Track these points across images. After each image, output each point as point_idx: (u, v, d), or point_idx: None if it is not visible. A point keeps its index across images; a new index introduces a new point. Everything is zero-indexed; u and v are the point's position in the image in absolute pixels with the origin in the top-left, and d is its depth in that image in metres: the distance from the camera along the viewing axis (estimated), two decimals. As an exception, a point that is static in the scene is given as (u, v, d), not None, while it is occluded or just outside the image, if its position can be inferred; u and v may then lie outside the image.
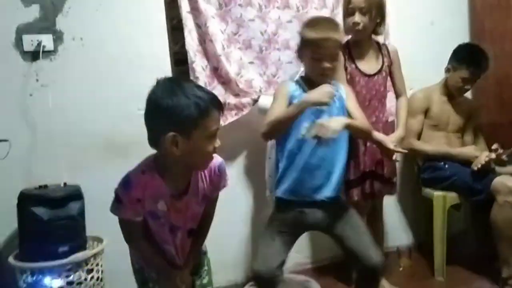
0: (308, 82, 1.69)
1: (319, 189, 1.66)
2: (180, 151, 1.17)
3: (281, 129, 1.63)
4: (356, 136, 1.86)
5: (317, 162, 1.63)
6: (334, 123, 1.55)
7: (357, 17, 1.94)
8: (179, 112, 1.14)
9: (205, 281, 1.46)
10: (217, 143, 1.24)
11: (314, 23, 1.65)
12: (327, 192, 1.66)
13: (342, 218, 1.68)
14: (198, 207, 1.35)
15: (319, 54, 1.59)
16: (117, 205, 1.26)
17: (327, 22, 1.68)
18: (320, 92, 1.55)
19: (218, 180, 1.36)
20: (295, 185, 1.66)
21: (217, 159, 1.34)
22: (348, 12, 1.96)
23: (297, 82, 1.73)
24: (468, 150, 2.31)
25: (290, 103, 1.64)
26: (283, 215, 1.70)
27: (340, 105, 1.69)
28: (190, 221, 1.36)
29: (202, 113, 1.16)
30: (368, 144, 2.02)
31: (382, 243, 2.26)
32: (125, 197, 1.24)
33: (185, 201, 1.30)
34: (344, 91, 1.74)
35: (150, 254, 1.34)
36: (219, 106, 1.22)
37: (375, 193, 2.09)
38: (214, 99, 1.21)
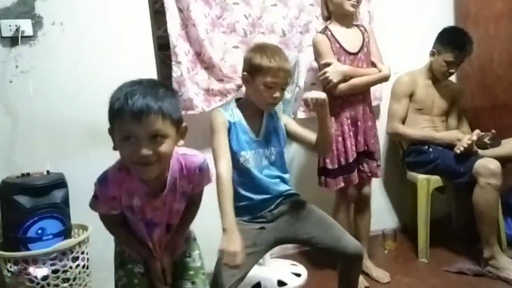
0: (246, 106, 1.63)
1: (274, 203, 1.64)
2: (115, 146, 1.17)
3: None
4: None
5: (266, 184, 1.61)
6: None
7: None
8: (108, 107, 1.13)
9: (198, 264, 1.45)
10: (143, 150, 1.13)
11: (269, 51, 1.56)
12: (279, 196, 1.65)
13: (304, 219, 1.65)
14: (178, 204, 1.32)
15: (273, 83, 1.54)
16: (95, 201, 1.27)
17: (280, 52, 1.61)
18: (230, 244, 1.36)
19: (199, 179, 1.31)
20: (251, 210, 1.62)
21: (198, 158, 1.29)
22: None
23: (230, 109, 1.63)
24: (451, 134, 2.33)
25: (227, 133, 1.57)
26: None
27: (275, 131, 1.66)
28: (170, 217, 1.34)
29: (114, 113, 1.11)
30: (359, 123, 2.06)
31: (369, 228, 2.28)
32: (101, 194, 1.24)
33: (162, 199, 1.27)
34: (280, 117, 1.70)
35: (130, 241, 1.34)
36: (134, 104, 1.07)
37: (363, 178, 2.12)
38: (127, 96, 1.08)
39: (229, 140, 1.57)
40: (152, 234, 1.34)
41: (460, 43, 2.27)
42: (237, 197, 1.52)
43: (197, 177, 1.30)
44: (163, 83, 1.21)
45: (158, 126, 1.11)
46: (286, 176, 1.71)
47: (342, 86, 2.00)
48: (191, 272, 1.42)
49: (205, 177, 1.33)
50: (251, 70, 1.57)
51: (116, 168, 1.24)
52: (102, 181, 1.23)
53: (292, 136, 1.72)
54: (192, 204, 1.38)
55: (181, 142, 1.22)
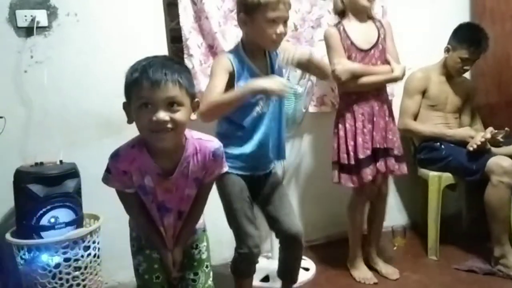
0: (250, 50, 1.60)
1: (270, 163, 1.70)
2: (130, 119, 1.22)
3: (220, 114, 1.57)
4: (314, 74, 1.86)
5: (267, 137, 1.64)
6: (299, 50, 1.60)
7: None
8: (124, 81, 1.19)
9: (204, 256, 1.46)
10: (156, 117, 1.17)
11: None
12: (273, 163, 1.71)
13: (272, 184, 1.70)
14: (189, 189, 1.34)
15: (275, 17, 1.50)
16: (107, 175, 1.30)
17: None
18: (274, 81, 1.48)
19: (212, 165, 1.32)
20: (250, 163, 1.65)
21: (213, 144, 1.32)
22: None
23: (236, 52, 1.61)
24: (464, 131, 2.31)
25: (232, 77, 1.56)
26: (237, 187, 1.65)
27: (279, 70, 1.67)
28: (181, 203, 1.35)
29: (132, 83, 1.16)
30: (375, 119, 2.03)
31: (381, 228, 2.27)
32: (112, 168, 1.27)
33: (173, 181, 1.29)
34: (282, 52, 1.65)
35: (146, 228, 1.36)
36: (152, 73, 1.13)
37: (388, 171, 2.08)
38: (145, 67, 1.14)
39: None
40: (163, 219, 1.35)
41: (476, 40, 2.24)
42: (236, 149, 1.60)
43: (210, 162, 1.31)
44: (178, 60, 1.23)
45: (175, 93, 1.16)
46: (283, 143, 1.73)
47: (351, 83, 1.98)
48: (195, 264, 1.44)
49: (219, 164, 1.35)
50: (249, 10, 1.54)
51: (129, 145, 1.28)
52: (114, 156, 1.27)
53: (307, 68, 1.74)
54: (202, 193, 1.38)
55: (194, 116, 1.25)
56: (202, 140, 1.31)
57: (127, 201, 1.34)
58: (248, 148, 1.62)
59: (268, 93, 1.49)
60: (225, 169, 1.39)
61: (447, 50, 2.34)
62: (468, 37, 2.26)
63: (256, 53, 1.62)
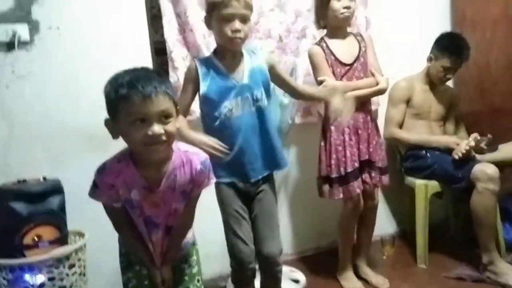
0: (220, 53, 1.63)
1: (258, 171, 1.66)
2: (115, 136, 1.21)
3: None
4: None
5: (247, 143, 1.62)
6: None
7: (348, 2, 1.96)
8: (106, 98, 1.18)
9: (194, 270, 1.45)
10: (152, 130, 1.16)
11: None
12: (266, 171, 1.68)
13: (264, 201, 1.69)
14: (177, 203, 1.32)
15: (228, 15, 1.52)
16: (94, 189, 1.28)
17: None
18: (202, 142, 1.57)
19: (199, 178, 1.31)
20: (235, 169, 1.64)
21: (199, 157, 1.31)
22: None
23: (205, 59, 1.66)
24: (448, 138, 2.34)
25: (197, 86, 1.60)
26: (229, 202, 1.66)
27: (260, 72, 1.64)
28: (169, 218, 1.33)
29: (120, 100, 1.13)
30: (359, 131, 2.04)
31: (370, 240, 2.28)
32: (99, 182, 1.26)
33: (160, 195, 1.28)
34: (264, 59, 1.68)
35: (134, 244, 1.34)
36: (142, 87, 1.12)
37: (374, 184, 2.10)
38: (132, 81, 1.12)
39: (206, 89, 1.58)
40: (151, 235, 1.33)
41: (457, 49, 2.28)
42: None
43: (198, 175, 1.30)
44: (156, 69, 1.23)
45: (166, 105, 1.16)
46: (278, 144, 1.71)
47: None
48: (186, 278, 1.42)
49: (206, 176, 1.33)
50: (208, 10, 1.59)
51: (115, 159, 1.26)
52: (101, 170, 1.26)
53: (276, 80, 1.73)
54: (189, 207, 1.36)
55: (177, 124, 1.24)
56: (189, 153, 1.30)
57: (114, 216, 1.32)
58: (230, 154, 1.60)
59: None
60: (213, 181, 1.37)
61: (429, 59, 2.37)
62: (449, 46, 2.30)
63: (227, 53, 1.62)
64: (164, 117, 1.16)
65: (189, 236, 1.42)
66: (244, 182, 1.65)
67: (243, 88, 1.60)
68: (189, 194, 1.33)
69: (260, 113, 1.63)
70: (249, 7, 1.59)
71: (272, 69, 1.69)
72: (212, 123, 1.61)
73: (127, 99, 1.12)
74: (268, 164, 1.67)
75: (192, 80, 1.62)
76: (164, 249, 1.36)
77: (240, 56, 1.64)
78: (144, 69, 1.21)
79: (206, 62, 1.63)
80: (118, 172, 1.25)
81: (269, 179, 1.71)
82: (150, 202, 1.28)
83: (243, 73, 1.61)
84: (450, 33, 2.41)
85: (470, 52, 2.29)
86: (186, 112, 1.66)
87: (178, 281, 1.40)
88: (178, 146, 1.29)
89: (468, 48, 2.29)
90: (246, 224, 1.65)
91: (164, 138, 1.16)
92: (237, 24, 1.53)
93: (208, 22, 1.61)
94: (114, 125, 1.19)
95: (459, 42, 2.31)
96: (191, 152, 1.31)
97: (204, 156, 1.33)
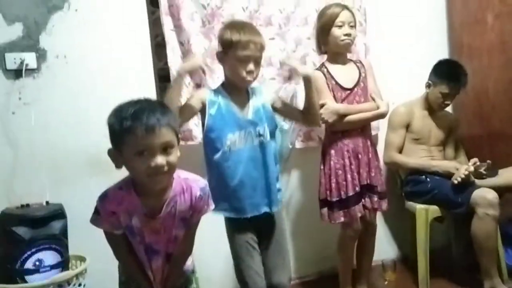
0: (229, 88, 1.69)
1: (254, 203, 1.67)
2: (119, 165, 1.23)
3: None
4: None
5: (248, 177, 1.64)
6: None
7: (348, 29, 2.01)
8: (110, 129, 1.21)
9: None
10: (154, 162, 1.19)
11: (238, 26, 1.64)
12: (264, 207, 1.68)
13: (272, 231, 1.71)
14: (177, 230, 1.34)
15: (245, 56, 1.58)
16: (95, 216, 1.30)
17: (251, 26, 1.69)
18: (190, 58, 1.65)
19: (199, 205, 1.34)
20: (233, 202, 1.66)
21: (198, 184, 1.34)
22: (336, 25, 2.01)
23: (215, 89, 1.72)
24: (448, 163, 2.36)
25: (202, 107, 1.65)
26: (239, 229, 1.68)
27: (264, 110, 1.70)
28: (169, 245, 1.36)
29: (124, 132, 1.16)
30: (360, 156, 2.05)
31: (370, 264, 2.28)
32: (101, 209, 1.28)
33: (161, 222, 1.30)
34: (267, 97, 1.74)
35: (134, 272, 1.36)
36: (146, 120, 1.15)
37: (374, 208, 2.11)
38: (137, 114, 1.16)
39: (212, 119, 1.62)
40: (151, 262, 1.35)
41: (455, 76, 2.32)
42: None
43: (197, 201, 1.33)
44: (158, 99, 1.26)
45: (169, 137, 1.20)
46: (278, 183, 1.73)
47: (339, 123, 2.02)
48: None
49: (205, 203, 1.36)
50: (224, 47, 1.63)
51: (117, 187, 1.29)
52: (103, 197, 1.29)
53: (281, 112, 1.78)
54: (189, 234, 1.38)
55: (178, 152, 1.27)
56: (189, 180, 1.33)
57: (115, 243, 1.34)
58: (230, 186, 1.64)
59: (185, 70, 1.60)
60: (212, 207, 1.40)
61: (428, 85, 2.41)
62: (447, 73, 2.34)
63: (234, 89, 1.68)
64: (167, 148, 1.19)
65: (188, 263, 1.44)
66: (241, 217, 1.66)
67: (247, 123, 1.65)
68: (188, 221, 1.35)
69: (262, 148, 1.67)
70: (264, 49, 1.67)
71: (275, 104, 1.75)
72: (214, 154, 1.64)
73: (131, 131, 1.15)
74: (266, 201, 1.68)
75: (200, 100, 1.65)
76: (164, 277, 1.37)
77: (246, 94, 1.70)
78: (147, 101, 1.24)
79: (215, 92, 1.68)
80: (120, 199, 1.27)
81: (272, 216, 1.73)
82: (150, 229, 1.31)
83: (248, 109, 1.67)
84: (447, 60, 2.46)
85: (467, 79, 2.33)
86: (182, 113, 1.64)
87: None
88: (178, 174, 1.32)
89: (465, 74, 2.33)
90: (257, 255, 1.67)
91: (166, 168, 1.19)
92: (251, 66, 1.60)
93: (222, 58, 1.66)
94: (118, 155, 1.22)
95: (457, 69, 2.35)
96: (191, 179, 1.33)
97: (204, 183, 1.35)
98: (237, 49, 1.58)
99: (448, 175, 2.24)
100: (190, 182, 1.33)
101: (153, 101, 1.27)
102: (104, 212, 1.28)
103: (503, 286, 2.09)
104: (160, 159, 1.17)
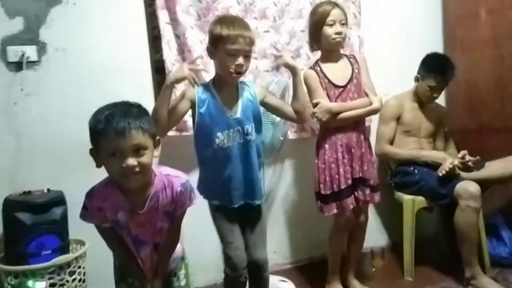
0: (219, 83, 1.73)
1: (239, 195, 1.75)
2: (98, 164, 1.31)
3: (162, 120, 1.62)
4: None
5: (234, 172, 1.71)
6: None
7: (340, 27, 2.04)
8: (89, 130, 1.29)
9: (183, 283, 1.55)
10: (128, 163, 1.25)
11: (227, 20, 1.67)
12: (248, 199, 1.77)
13: (253, 217, 1.80)
14: (161, 222, 1.42)
15: (234, 50, 1.61)
16: (84, 211, 1.39)
17: (241, 20, 1.73)
18: (178, 69, 1.66)
19: (181, 200, 1.40)
20: (222, 194, 1.75)
21: (180, 179, 1.40)
22: (327, 24, 2.04)
23: (205, 85, 1.75)
24: (438, 153, 2.42)
25: (191, 105, 1.70)
26: (223, 213, 1.78)
27: (252, 106, 1.75)
28: (155, 236, 1.44)
29: (98, 134, 1.25)
30: (353, 150, 2.10)
31: (359, 253, 2.36)
32: (88, 205, 1.37)
33: (145, 216, 1.38)
34: (257, 92, 1.78)
35: (125, 259, 1.45)
36: (116, 124, 1.21)
37: (366, 201, 2.17)
38: (108, 118, 1.22)
39: (201, 118, 1.67)
40: (140, 252, 1.44)
41: (442, 69, 2.37)
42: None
43: (179, 197, 1.40)
44: (136, 103, 1.32)
45: (140, 140, 1.26)
46: (260, 175, 1.80)
47: (333, 121, 2.06)
48: None
49: (187, 198, 1.42)
50: (213, 41, 1.67)
51: (103, 184, 1.38)
52: (89, 194, 1.38)
53: (271, 109, 1.83)
54: (174, 226, 1.46)
55: (156, 153, 1.34)
56: (170, 176, 1.40)
57: (105, 235, 1.43)
58: (219, 180, 1.72)
59: (172, 82, 1.63)
60: (195, 201, 1.46)
61: (416, 79, 2.47)
62: (434, 66, 2.38)
63: (224, 84, 1.72)
64: (138, 150, 1.25)
65: (178, 251, 1.52)
66: (229, 206, 1.75)
67: (235, 122, 1.70)
68: (172, 214, 1.42)
69: (248, 146, 1.73)
70: (253, 43, 1.70)
71: (265, 99, 1.80)
72: (204, 150, 1.71)
73: (103, 134, 1.23)
74: (249, 193, 1.77)
75: (189, 100, 1.70)
76: (154, 264, 1.46)
77: (236, 89, 1.75)
78: (123, 104, 1.30)
79: (205, 90, 1.72)
80: (105, 196, 1.36)
81: (254, 205, 1.81)
82: (136, 223, 1.39)
83: (237, 107, 1.72)
84: (435, 54, 2.49)
85: (454, 72, 2.38)
86: (172, 118, 1.69)
87: None
88: (160, 170, 1.40)
89: (452, 67, 2.38)
90: (238, 232, 1.77)
91: (138, 169, 1.26)
92: (240, 60, 1.63)
93: (212, 52, 1.70)
94: (96, 155, 1.30)
95: (444, 62, 2.40)
96: (172, 175, 1.41)
97: (185, 179, 1.42)
98: (227, 43, 1.61)
99: (437, 166, 2.30)
100: (172, 178, 1.40)
101: (129, 104, 1.31)
102: (91, 208, 1.37)
103: (482, 275, 2.17)
104: (131, 161, 1.23)
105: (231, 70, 1.64)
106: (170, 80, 1.64)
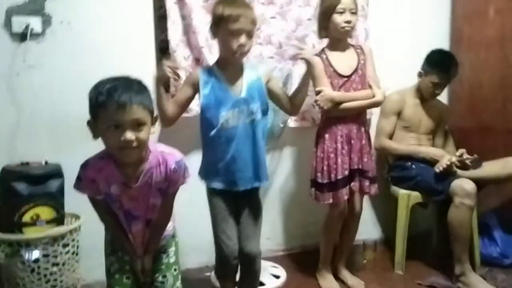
0: (222, 64, 1.73)
1: (248, 179, 1.75)
2: (95, 136, 1.32)
3: (165, 113, 1.68)
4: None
5: (239, 153, 1.71)
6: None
7: (349, 16, 2.03)
8: (89, 102, 1.30)
9: (172, 260, 1.56)
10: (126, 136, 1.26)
11: (229, 0, 1.67)
12: (255, 182, 1.77)
13: (249, 206, 1.80)
14: (154, 199, 1.43)
15: (235, 30, 1.62)
16: (78, 182, 1.40)
17: (243, 1, 1.73)
18: (158, 69, 1.67)
19: (174, 177, 1.41)
20: (226, 176, 1.74)
21: (174, 156, 1.41)
22: (337, 11, 2.03)
23: (208, 68, 1.77)
24: (436, 150, 2.42)
25: (195, 92, 1.71)
26: (220, 199, 1.77)
27: (258, 86, 1.74)
28: (147, 211, 1.45)
29: (98, 106, 1.25)
30: (353, 141, 2.11)
31: (351, 243, 2.37)
32: (82, 176, 1.38)
33: (137, 190, 1.39)
34: (262, 73, 1.78)
35: (116, 233, 1.46)
36: (118, 97, 1.22)
37: (361, 192, 2.18)
38: (110, 90, 1.23)
39: (205, 99, 1.68)
40: (131, 226, 1.45)
41: (445, 66, 2.36)
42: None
43: (172, 174, 1.40)
44: (137, 79, 1.33)
45: (140, 115, 1.27)
46: (263, 158, 1.79)
47: (335, 110, 2.06)
48: (163, 267, 1.53)
49: (181, 176, 1.43)
50: (215, 21, 1.67)
51: (98, 157, 1.39)
52: (84, 165, 1.39)
53: (271, 95, 1.81)
54: (166, 202, 1.46)
55: (153, 129, 1.36)
56: (165, 153, 1.41)
57: (97, 207, 1.44)
58: (223, 161, 1.72)
59: (156, 83, 1.62)
60: (188, 179, 1.46)
61: (419, 74, 2.46)
62: (438, 63, 2.38)
63: (228, 65, 1.72)
64: (137, 125, 1.26)
65: (169, 228, 1.53)
66: (233, 190, 1.75)
67: (240, 101, 1.70)
68: (165, 191, 1.43)
69: (254, 126, 1.73)
70: (255, 23, 1.70)
71: (269, 83, 1.79)
72: (209, 131, 1.71)
73: (104, 106, 1.24)
74: (255, 175, 1.77)
75: (191, 85, 1.72)
76: (145, 240, 1.47)
77: (240, 69, 1.74)
78: (125, 79, 1.30)
79: (209, 72, 1.73)
80: (99, 168, 1.37)
81: (255, 190, 1.82)
82: (128, 197, 1.40)
83: (241, 87, 1.72)
84: (439, 50, 2.47)
85: (458, 69, 2.37)
86: (177, 109, 1.73)
87: (156, 269, 1.51)
88: (156, 147, 1.40)
89: (456, 65, 2.37)
90: (232, 222, 1.77)
91: (135, 144, 1.27)
92: (243, 39, 1.63)
93: (214, 32, 1.71)
94: (94, 127, 1.31)
95: (448, 59, 2.39)
96: (167, 152, 1.41)
97: (180, 157, 1.42)
98: (229, 23, 1.62)
99: (435, 162, 2.30)
100: (166, 155, 1.40)
101: (131, 79, 1.32)
102: (85, 179, 1.37)
103: (472, 273, 2.19)
104: (129, 134, 1.25)
105: (234, 50, 1.64)
106: (154, 82, 1.64)
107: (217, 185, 1.74)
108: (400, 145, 2.47)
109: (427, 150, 2.42)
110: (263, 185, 1.82)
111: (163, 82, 1.65)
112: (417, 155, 2.40)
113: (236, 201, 1.78)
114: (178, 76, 1.64)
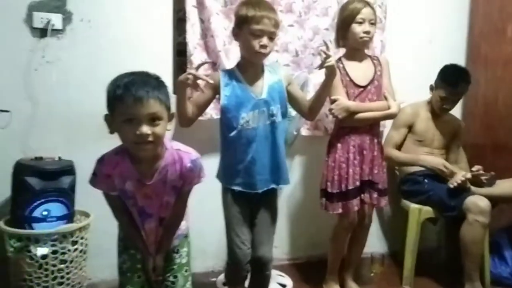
0: (243, 65, 1.74)
1: (266, 182, 1.75)
2: (112, 130, 1.32)
3: (183, 115, 1.69)
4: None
5: (259, 154, 1.71)
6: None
7: (368, 27, 2.03)
8: (106, 96, 1.30)
9: (184, 260, 1.55)
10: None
11: (254, 2, 1.68)
12: (272, 184, 1.77)
13: (265, 210, 1.79)
14: (168, 197, 1.42)
15: (258, 30, 1.63)
16: (93, 177, 1.40)
17: (267, 3, 1.73)
18: (182, 75, 1.65)
19: (189, 176, 1.41)
20: (245, 178, 1.73)
21: (190, 155, 1.40)
22: (356, 21, 2.03)
23: (229, 70, 1.77)
24: (437, 160, 2.39)
25: (215, 93, 1.72)
26: (235, 201, 1.77)
27: (279, 88, 1.75)
28: (161, 209, 1.44)
29: (116, 99, 1.26)
30: (365, 152, 2.10)
31: (360, 255, 2.34)
32: (98, 171, 1.38)
33: (152, 188, 1.38)
34: (283, 76, 1.79)
35: (129, 230, 1.45)
36: (135, 91, 1.23)
37: (373, 204, 2.16)
38: (128, 84, 1.24)
39: (226, 100, 1.68)
40: (144, 224, 1.44)
41: (454, 81, 2.35)
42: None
43: (188, 173, 1.40)
44: (155, 74, 1.34)
45: (156, 109, 1.27)
46: (283, 159, 1.79)
47: (349, 119, 2.05)
48: (175, 267, 1.52)
49: (196, 175, 1.42)
50: (238, 22, 1.69)
51: (114, 152, 1.38)
52: (100, 160, 1.39)
53: (290, 98, 1.81)
54: (180, 201, 1.46)
55: (170, 126, 1.35)
56: (181, 151, 1.40)
57: (112, 203, 1.43)
58: (243, 162, 1.71)
59: (182, 84, 1.62)
60: (203, 179, 1.46)
61: (431, 88, 2.46)
62: (448, 78, 2.37)
63: (249, 66, 1.73)
64: (153, 119, 1.26)
65: (183, 228, 1.52)
66: (252, 191, 1.74)
67: (261, 102, 1.70)
68: (179, 189, 1.43)
69: (274, 128, 1.73)
70: (278, 26, 1.71)
71: (289, 86, 1.80)
72: (229, 132, 1.71)
73: (121, 100, 1.24)
74: (274, 178, 1.76)
75: (212, 86, 1.71)
76: (157, 238, 1.46)
77: (261, 71, 1.75)
78: (143, 74, 1.31)
79: (229, 73, 1.74)
80: (115, 164, 1.36)
81: (273, 193, 1.81)
82: (143, 194, 1.39)
83: (262, 88, 1.72)
84: (452, 65, 2.45)
85: (468, 86, 2.36)
86: (196, 110, 1.73)
87: (168, 269, 1.50)
88: (172, 145, 1.40)
89: (467, 82, 2.36)
90: (246, 227, 1.76)
91: (151, 138, 1.26)
92: (265, 40, 1.64)
93: (236, 33, 1.72)
94: (111, 121, 1.31)
95: (459, 75, 2.37)
96: (183, 151, 1.41)
97: (195, 156, 1.42)
98: (252, 24, 1.63)
99: (445, 179, 2.29)
100: (182, 153, 1.40)
101: (149, 74, 1.32)
102: (100, 174, 1.37)
103: (483, 291, 2.17)
104: (145, 128, 1.25)
105: (256, 50, 1.65)
106: (177, 87, 1.67)
107: (236, 187, 1.74)
108: (401, 154, 2.45)
109: (426, 158, 2.40)
110: (280, 187, 1.80)
111: (185, 87, 1.65)
112: (417, 164, 2.39)
113: (252, 204, 1.77)
114: (197, 87, 1.64)
